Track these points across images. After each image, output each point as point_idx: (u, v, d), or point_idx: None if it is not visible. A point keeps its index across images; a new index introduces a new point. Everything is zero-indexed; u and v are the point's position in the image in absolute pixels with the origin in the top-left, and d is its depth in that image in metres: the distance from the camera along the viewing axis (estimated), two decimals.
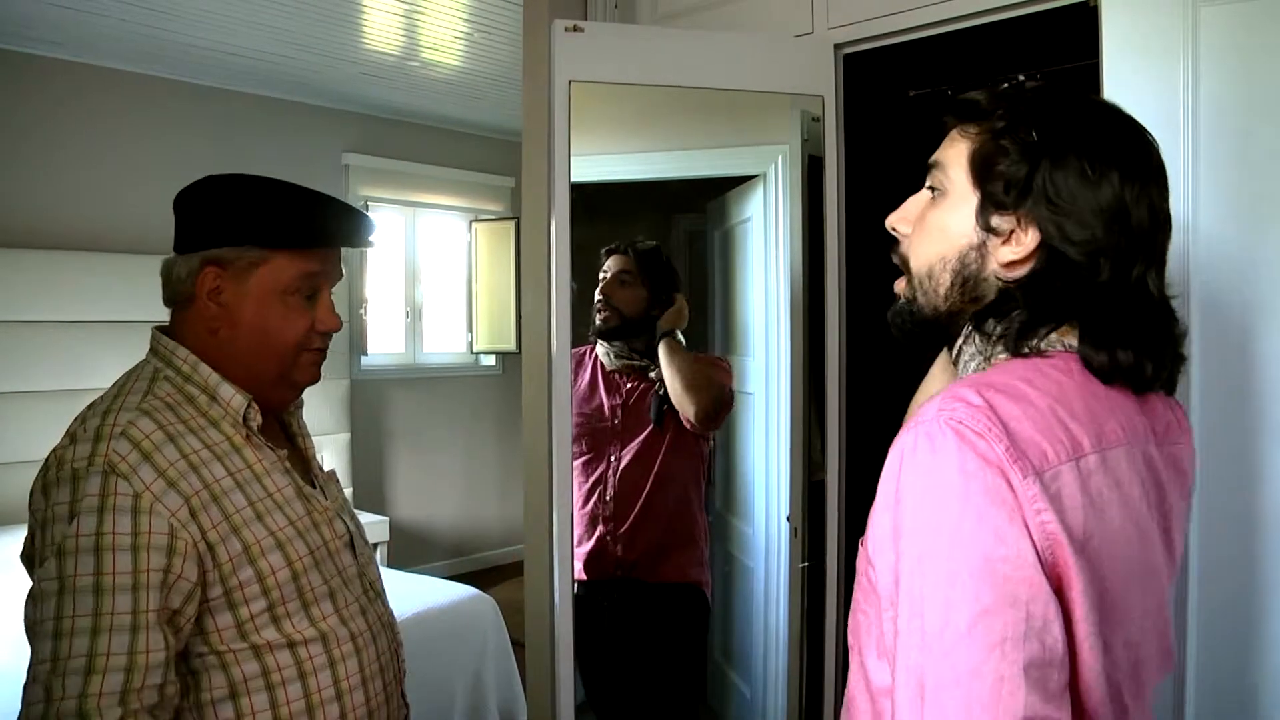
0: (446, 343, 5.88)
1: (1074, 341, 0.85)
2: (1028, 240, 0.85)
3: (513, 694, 3.45)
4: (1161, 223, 0.86)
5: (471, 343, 5.88)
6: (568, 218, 2.00)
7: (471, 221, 5.85)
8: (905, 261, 0.94)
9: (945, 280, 0.89)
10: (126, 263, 4.06)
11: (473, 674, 3.34)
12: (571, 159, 2.00)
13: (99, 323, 3.99)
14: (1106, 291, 0.83)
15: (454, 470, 5.77)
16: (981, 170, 0.86)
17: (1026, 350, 0.86)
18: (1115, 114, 0.87)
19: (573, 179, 2.00)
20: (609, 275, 2.27)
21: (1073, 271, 0.83)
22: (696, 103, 2.17)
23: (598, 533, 2.27)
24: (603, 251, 2.28)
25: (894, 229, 0.95)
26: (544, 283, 2.24)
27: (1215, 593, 1.57)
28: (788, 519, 2.22)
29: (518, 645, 3.06)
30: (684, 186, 2.59)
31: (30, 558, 1.09)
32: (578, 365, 2.35)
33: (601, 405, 2.30)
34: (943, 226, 0.89)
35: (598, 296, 2.26)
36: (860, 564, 0.89)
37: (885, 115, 2.55)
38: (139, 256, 4.06)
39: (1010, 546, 0.74)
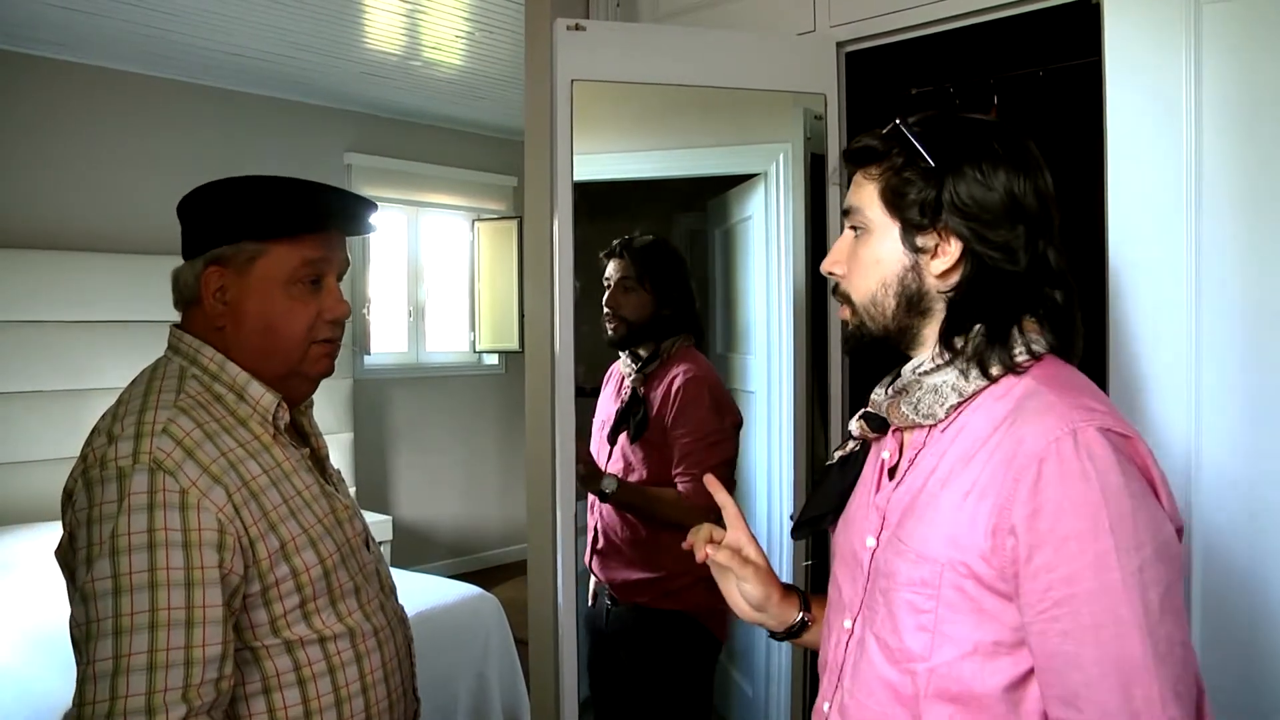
0: (449, 342, 5.88)
1: (1038, 347, 0.96)
2: (952, 249, 0.96)
3: (516, 692, 3.46)
4: (1049, 202, 0.97)
5: (474, 342, 5.88)
6: (570, 216, 2.00)
7: (474, 221, 5.85)
8: (847, 296, 1.04)
9: (890, 303, 1.00)
10: (128, 263, 4.06)
11: (476, 673, 3.35)
12: (574, 158, 2.00)
13: (101, 323, 3.99)
14: (1028, 277, 0.95)
15: (457, 469, 5.78)
16: (895, 203, 0.98)
17: (1002, 361, 0.95)
18: (988, 124, 0.99)
19: (575, 178, 2.00)
20: (611, 283, 2.17)
21: (994, 267, 0.95)
22: (698, 101, 2.17)
23: (586, 543, 2.23)
24: (601, 255, 2.19)
25: (830, 273, 1.06)
26: (547, 281, 2.23)
27: (1215, 591, 1.58)
28: (790, 517, 2.22)
29: (521, 644, 3.06)
30: (686, 185, 2.59)
31: (65, 556, 1.10)
32: (609, 378, 2.31)
33: (609, 414, 2.25)
34: (876, 259, 1.00)
35: (605, 308, 2.15)
36: (884, 554, 0.98)
37: (888, 113, 2.55)
38: (140, 256, 4.07)
39: (1169, 528, 0.87)
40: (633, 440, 2.15)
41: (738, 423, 2.20)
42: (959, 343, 0.97)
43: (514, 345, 5.55)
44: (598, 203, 2.17)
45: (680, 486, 2.09)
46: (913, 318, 1.00)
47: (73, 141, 4.14)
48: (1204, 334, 1.59)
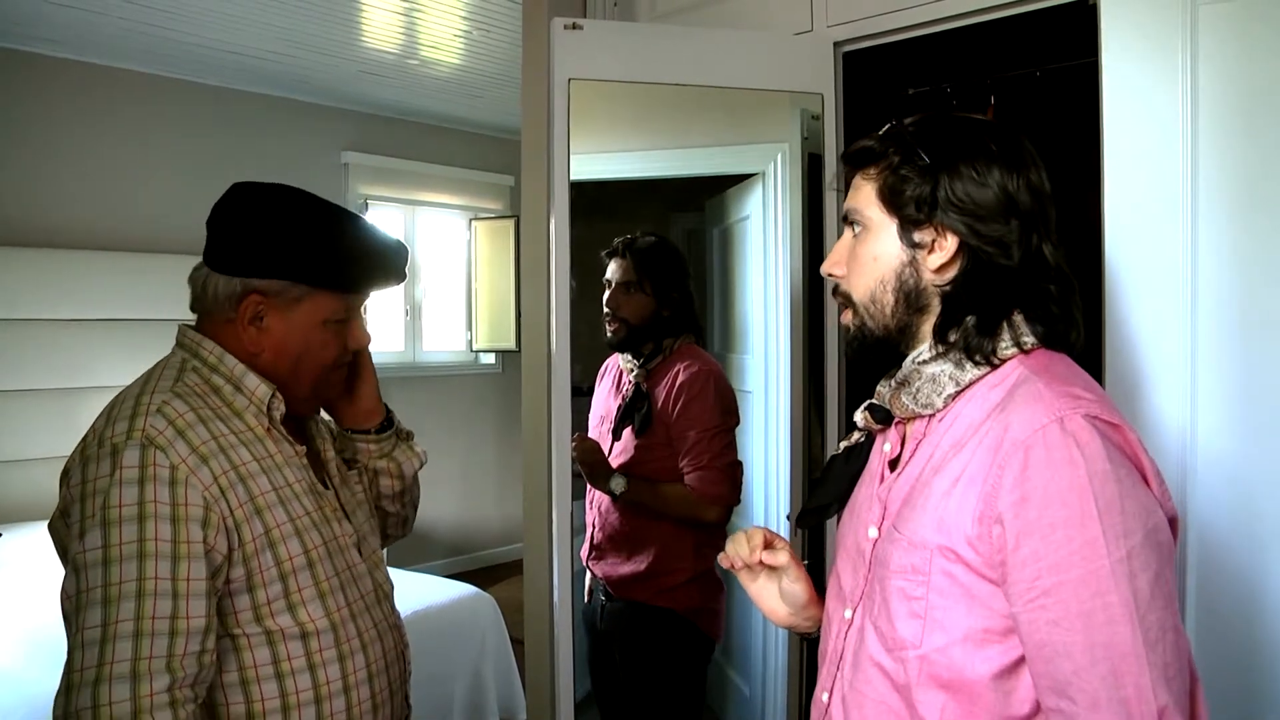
0: (446, 341, 5.87)
1: (1027, 339, 0.97)
2: (949, 244, 0.98)
3: (512, 692, 3.46)
4: (1044, 199, 0.99)
5: (471, 341, 5.88)
6: (567, 216, 2.00)
7: (471, 220, 5.85)
8: (847, 296, 1.06)
9: (889, 299, 1.02)
10: (127, 261, 4.05)
11: (472, 672, 3.35)
12: (571, 157, 2.00)
13: (99, 321, 3.98)
14: (1022, 272, 0.97)
15: (453, 469, 5.77)
16: (892, 200, 1.00)
17: (991, 355, 0.96)
18: (983, 124, 1.01)
19: (572, 177, 2.00)
20: (613, 284, 2.16)
21: (989, 261, 0.97)
22: (696, 100, 2.17)
23: (584, 540, 2.23)
24: (603, 255, 2.19)
25: (830, 274, 1.08)
26: (544, 281, 2.24)
27: (1211, 585, 1.58)
28: (788, 517, 2.22)
29: (517, 643, 3.06)
30: (683, 184, 2.59)
31: (59, 531, 1.13)
32: (605, 373, 2.32)
33: (608, 409, 2.26)
34: (875, 256, 1.02)
35: (605, 308, 2.15)
36: (883, 544, 1.00)
37: (885, 113, 2.55)
38: (140, 255, 4.05)
39: (1159, 514, 0.87)
40: (638, 435, 2.15)
41: (737, 423, 2.20)
42: (952, 335, 0.99)
43: (511, 344, 5.54)
44: (595, 202, 2.17)
45: (688, 480, 2.10)
46: (911, 314, 1.01)
47: (69, 139, 4.13)
48: (1200, 331, 1.59)
